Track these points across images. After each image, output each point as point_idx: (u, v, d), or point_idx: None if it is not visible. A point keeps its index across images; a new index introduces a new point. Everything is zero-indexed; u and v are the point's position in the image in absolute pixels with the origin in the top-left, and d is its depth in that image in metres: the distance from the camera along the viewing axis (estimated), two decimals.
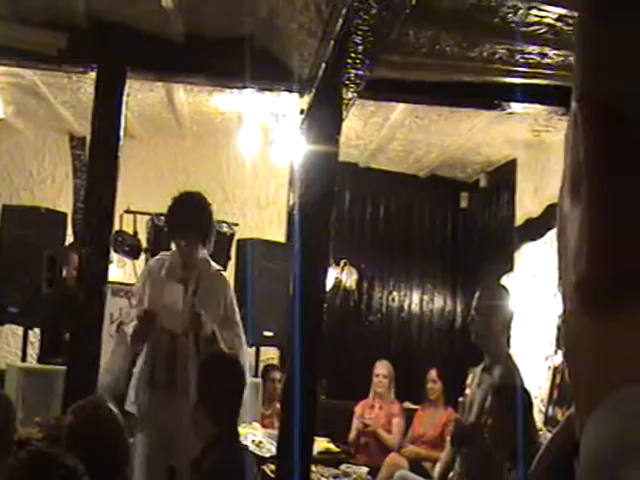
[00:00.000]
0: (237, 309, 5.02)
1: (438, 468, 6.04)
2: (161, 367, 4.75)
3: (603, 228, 0.47)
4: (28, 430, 4.21)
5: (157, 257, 5.06)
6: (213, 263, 4.99)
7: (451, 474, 4.81)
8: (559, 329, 5.96)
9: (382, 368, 7.29)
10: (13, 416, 3.65)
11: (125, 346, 5.08)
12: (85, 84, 5.84)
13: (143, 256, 6.46)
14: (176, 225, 4.81)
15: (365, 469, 5.84)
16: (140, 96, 6.32)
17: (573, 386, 0.52)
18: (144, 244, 6.43)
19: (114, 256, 5.88)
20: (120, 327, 5.23)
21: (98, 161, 4.53)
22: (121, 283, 6.31)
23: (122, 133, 4.49)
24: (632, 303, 0.47)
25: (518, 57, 4.06)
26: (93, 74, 4.51)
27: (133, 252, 6.43)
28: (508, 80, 4.51)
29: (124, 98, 4.45)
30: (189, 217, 4.76)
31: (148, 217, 6.50)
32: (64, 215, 7.23)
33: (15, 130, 7.89)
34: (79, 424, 3.02)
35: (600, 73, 0.50)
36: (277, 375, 7.01)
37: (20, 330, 6.47)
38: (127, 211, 6.45)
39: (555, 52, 3.95)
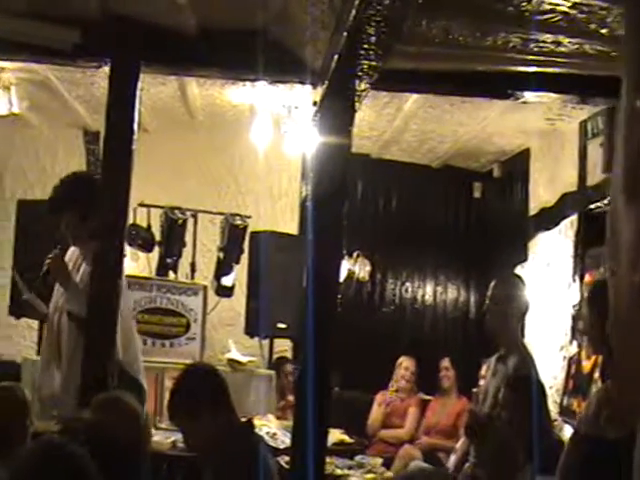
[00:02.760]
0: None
1: (453, 458, 6.06)
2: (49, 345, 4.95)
3: None
4: (45, 423, 4.23)
5: None
6: None
7: (466, 465, 4.82)
8: (574, 319, 5.95)
9: (408, 362, 7.33)
10: (28, 409, 3.67)
11: None
12: (99, 79, 5.86)
13: (157, 249, 6.48)
14: (54, 205, 4.87)
15: (379, 460, 5.85)
16: (153, 90, 6.33)
17: (621, 359, 0.51)
18: (158, 237, 6.45)
19: (128, 249, 5.89)
20: None
21: (112, 155, 4.54)
22: (135, 276, 6.32)
23: (136, 127, 4.50)
24: None
25: (532, 46, 4.05)
26: (107, 69, 4.52)
27: (147, 245, 6.46)
28: (522, 69, 4.50)
29: (138, 92, 4.46)
30: (64, 194, 4.84)
31: (161, 210, 6.52)
32: None
33: (29, 125, 7.91)
34: (98, 418, 3.03)
35: None
36: (290, 367, 7.05)
37: (36, 324, 6.50)
38: (141, 204, 6.47)
39: (569, 40, 3.94)
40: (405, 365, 7.32)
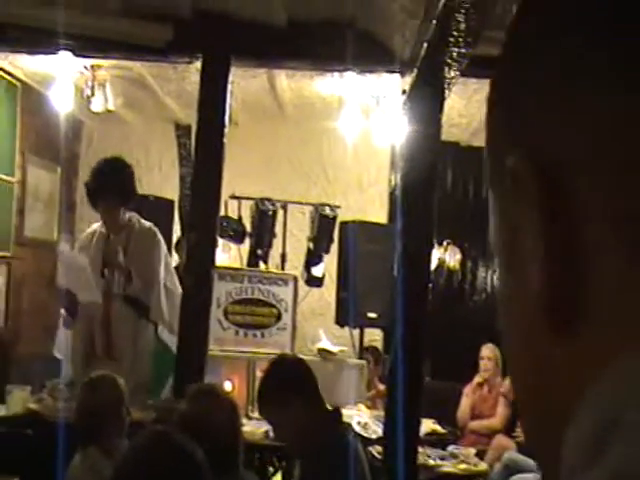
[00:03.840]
0: (173, 271, 5.38)
1: None
2: (98, 336, 5.15)
3: None
4: (139, 412, 4.32)
5: (88, 231, 5.33)
6: (143, 221, 5.33)
7: None
8: None
9: (487, 351, 7.24)
10: (124, 399, 3.74)
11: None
12: (190, 74, 5.93)
13: (247, 240, 6.55)
14: (99, 190, 5.09)
15: (472, 450, 5.81)
16: (243, 83, 6.39)
17: None
18: (248, 228, 6.52)
19: (219, 241, 5.98)
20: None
21: (204, 148, 4.61)
22: (226, 267, 6.41)
23: (226, 120, 4.56)
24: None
25: None
26: (198, 64, 4.59)
27: (238, 237, 6.53)
28: None
29: (228, 86, 4.52)
30: (106, 181, 5.05)
31: (252, 202, 6.59)
32: (171, 202, 7.40)
33: (123, 121, 8.08)
34: (194, 408, 3.08)
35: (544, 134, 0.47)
36: (377, 356, 7.06)
37: None
38: (232, 197, 6.55)
39: None
40: (487, 355, 7.24)
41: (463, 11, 3.26)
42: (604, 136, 0.43)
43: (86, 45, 4.59)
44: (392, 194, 8.09)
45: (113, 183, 5.09)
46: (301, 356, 4.28)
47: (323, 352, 6.00)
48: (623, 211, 0.42)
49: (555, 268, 0.45)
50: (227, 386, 5.42)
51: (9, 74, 6.46)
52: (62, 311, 5.44)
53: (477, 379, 7.25)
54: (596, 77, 0.43)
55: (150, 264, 5.22)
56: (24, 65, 6.26)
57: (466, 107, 6.96)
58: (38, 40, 4.58)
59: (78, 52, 4.80)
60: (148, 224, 5.37)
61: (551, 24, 0.46)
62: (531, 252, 0.46)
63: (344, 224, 6.74)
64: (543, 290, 0.46)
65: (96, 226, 5.40)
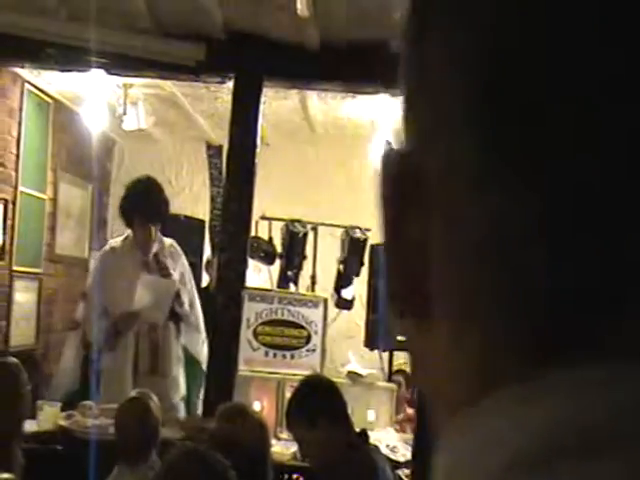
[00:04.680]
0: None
1: None
2: (142, 356, 5.26)
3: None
4: (168, 430, 4.32)
5: (107, 248, 5.39)
6: (165, 238, 5.48)
7: None
8: None
9: None
10: (159, 418, 3.76)
11: (77, 347, 5.50)
12: (222, 94, 5.97)
13: (278, 261, 6.55)
14: (135, 209, 5.21)
15: None
16: (275, 104, 6.42)
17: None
18: (279, 250, 6.52)
19: (250, 262, 5.98)
20: (72, 327, 5.49)
21: (235, 169, 4.63)
22: (257, 288, 6.41)
23: (258, 141, 4.58)
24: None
25: None
26: (230, 84, 4.62)
27: (268, 258, 6.53)
28: None
29: (260, 107, 4.54)
30: (146, 200, 5.19)
31: (282, 223, 6.59)
32: (202, 222, 7.43)
33: (155, 140, 8.14)
34: (224, 427, 3.07)
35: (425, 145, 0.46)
36: (406, 380, 7.02)
37: None
38: (263, 217, 6.56)
39: None
40: None
41: None
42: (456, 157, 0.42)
43: (119, 63, 4.63)
44: None
45: (150, 201, 5.17)
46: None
47: (352, 375, 5.97)
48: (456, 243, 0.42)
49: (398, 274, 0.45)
50: (256, 406, 5.40)
51: (41, 91, 6.52)
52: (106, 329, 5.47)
53: None
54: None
55: (189, 282, 5.33)
56: (56, 82, 6.32)
57: None
58: (71, 58, 4.62)
59: (111, 70, 4.84)
60: (169, 241, 5.48)
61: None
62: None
63: (375, 247, 6.72)
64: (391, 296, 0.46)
65: (115, 244, 5.47)
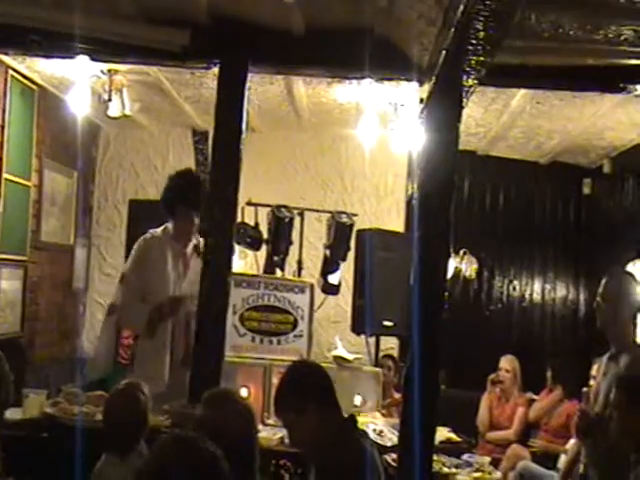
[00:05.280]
0: None
1: (564, 459, 5.95)
2: (177, 344, 5.29)
3: None
4: (155, 417, 4.32)
5: (148, 236, 5.37)
6: None
7: (578, 465, 4.73)
8: None
9: (505, 363, 7.24)
10: (148, 407, 3.76)
11: (112, 331, 5.46)
12: (207, 79, 5.96)
13: (264, 247, 6.55)
14: (179, 200, 5.27)
15: (487, 459, 5.78)
16: (260, 89, 6.41)
17: None
18: (265, 235, 6.51)
19: (236, 247, 5.98)
20: (112, 312, 5.45)
21: (220, 154, 4.60)
22: (243, 274, 6.40)
23: (244, 126, 4.56)
24: None
25: None
26: (215, 69, 4.59)
27: (255, 243, 6.52)
28: (634, 62, 4.39)
29: (246, 92, 4.52)
30: (197, 192, 5.27)
31: (269, 209, 6.58)
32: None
33: (140, 126, 8.11)
34: (210, 414, 3.07)
35: None
36: (393, 365, 7.05)
37: None
38: (248, 203, 6.55)
39: None
40: (505, 366, 7.24)
41: (482, 19, 3.24)
42: None
43: (103, 49, 4.59)
44: (409, 202, 8.08)
45: (194, 193, 5.24)
46: None
47: (339, 360, 5.99)
48: None
49: None
50: (243, 392, 5.41)
51: (26, 78, 6.49)
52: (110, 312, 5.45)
53: (496, 389, 7.24)
54: None
55: None
56: (41, 69, 6.29)
57: (483, 116, 6.94)
58: (55, 44, 4.58)
59: (95, 56, 4.81)
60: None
61: None
62: None
63: (361, 232, 6.72)
64: None
65: (155, 233, 5.44)
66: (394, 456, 4.67)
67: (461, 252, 8.25)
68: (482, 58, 3.64)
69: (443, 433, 5.59)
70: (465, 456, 5.53)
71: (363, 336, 6.68)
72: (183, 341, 5.31)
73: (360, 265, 6.59)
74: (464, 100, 4.18)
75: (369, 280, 6.34)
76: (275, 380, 5.28)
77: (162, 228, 5.47)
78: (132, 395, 3.74)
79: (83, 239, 8.12)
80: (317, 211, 7.26)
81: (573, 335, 8.72)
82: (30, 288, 6.84)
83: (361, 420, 4.28)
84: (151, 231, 5.51)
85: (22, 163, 6.58)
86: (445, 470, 5.10)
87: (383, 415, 6.01)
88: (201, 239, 5.34)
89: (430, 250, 4.14)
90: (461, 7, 3.24)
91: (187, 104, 7.15)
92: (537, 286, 8.83)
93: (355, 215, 6.90)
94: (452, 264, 7.83)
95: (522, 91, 5.95)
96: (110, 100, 6.34)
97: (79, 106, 6.29)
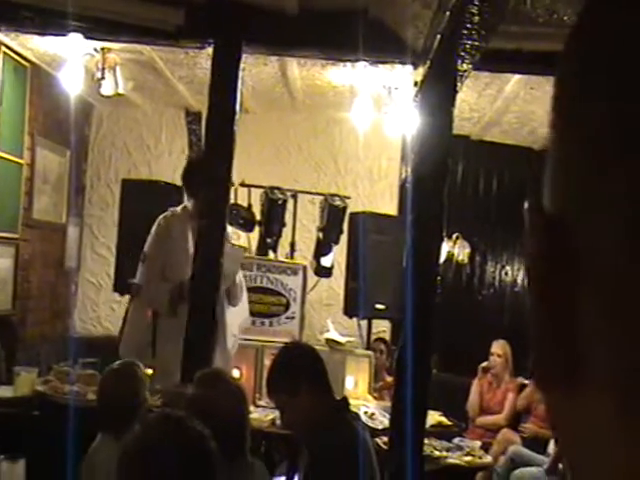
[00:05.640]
0: None
1: (552, 444, 5.98)
2: None
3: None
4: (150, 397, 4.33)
5: (168, 214, 5.34)
6: None
7: None
8: None
9: (497, 347, 7.25)
10: (145, 386, 3.76)
11: (141, 312, 5.42)
12: (202, 59, 5.93)
13: (257, 228, 6.55)
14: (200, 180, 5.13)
15: (478, 443, 5.81)
16: (254, 71, 6.38)
17: None
18: (258, 217, 6.51)
19: (229, 229, 5.98)
20: (137, 291, 5.41)
21: (214, 135, 4.60)
22: None
23: (237, 107, 4.55)
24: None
25: None
26: (210, 50, 4.58)
27: (247, 225, 6.52)
28: None
29: (240, 73, 4.50)
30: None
31: (262, 190, 6.58)
32: (181, 188, 7.39)
33: (134, 105, 8.09)
34: (201, 395, 3.08)
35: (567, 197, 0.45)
36: (385, 348, 7.07)
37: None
38: (242, 184, 6.54)
39: None
40: (497, 351, 7.25)
41: (477, 3, 3.24)
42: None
43: (97, 27, 4.57)
44: (402, 186, 8.07)
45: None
46: None
47: (331, 342, 6.00)
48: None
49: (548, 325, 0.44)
50: (235, 374, 5.42)
51: (19, 55, 6.45)
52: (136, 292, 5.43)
53: (487, 375, 7.26)
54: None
55: None
56: (34, 46, 6.26)
57: (477, 101, 6.93)
58: (48, 21, 4.55)
59: (88, 34, 4.78)
60: None
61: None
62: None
63: (354, 215, 6.73)
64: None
65: (175, 211, 5.38)
66: (385, 439, 4.69)
67: (454, 236, 8.25)
68: (477, 43, 3.64)
69: (434, 417, 5.61)
70: (456, 440, 5.56)
71: (355, 319, 6.70)
72: None
73: (353, 248, 6.60)
74: (458, 84, 4.17)
75: (362, 263, 6.34)
76: (267, 362, 5.28)
77: (182, 207, 5.37)
78: (128, 374, 3.73)
79: (75, 218, 8.11)
80: (310, 193, 7.26)
81: None
82: (22, 266, 6.83)
83: (353, 403, 4.29)
84: (171, 209, 5.42)
85: (14, 140, 6.55)
86: (436, 453, 5.12)
87: (375, 398, 6.03)
88: None
89: (423, 233, 4.15)
90: None
91: (181, 84, 7.12)
92: None
93: (348, 198, 6.90)
94: (445, 248, 7.83)
95: (516, 76, 5.94)
96: (103, 78, 6.31)
97: (72, 84, 6.25)
